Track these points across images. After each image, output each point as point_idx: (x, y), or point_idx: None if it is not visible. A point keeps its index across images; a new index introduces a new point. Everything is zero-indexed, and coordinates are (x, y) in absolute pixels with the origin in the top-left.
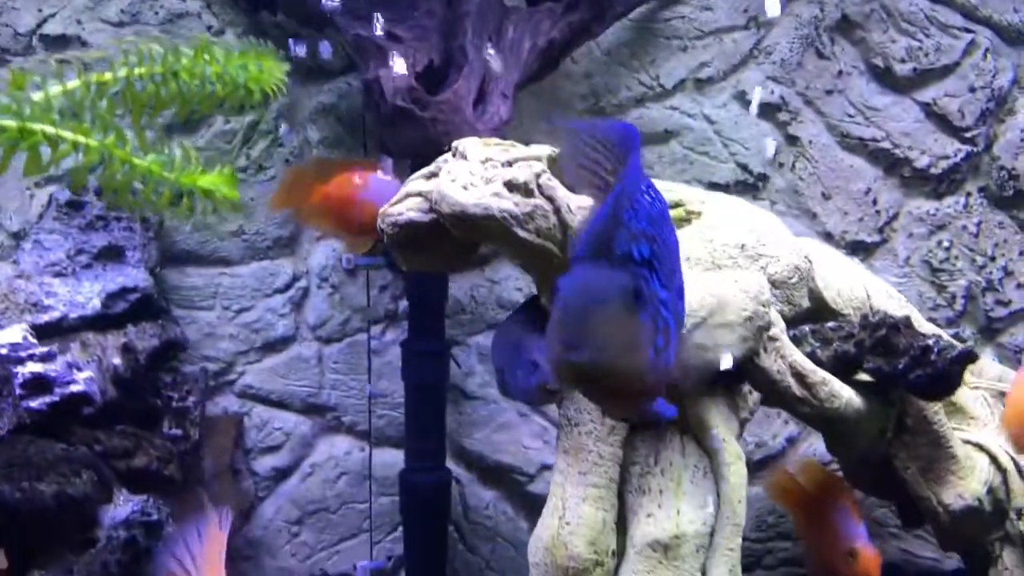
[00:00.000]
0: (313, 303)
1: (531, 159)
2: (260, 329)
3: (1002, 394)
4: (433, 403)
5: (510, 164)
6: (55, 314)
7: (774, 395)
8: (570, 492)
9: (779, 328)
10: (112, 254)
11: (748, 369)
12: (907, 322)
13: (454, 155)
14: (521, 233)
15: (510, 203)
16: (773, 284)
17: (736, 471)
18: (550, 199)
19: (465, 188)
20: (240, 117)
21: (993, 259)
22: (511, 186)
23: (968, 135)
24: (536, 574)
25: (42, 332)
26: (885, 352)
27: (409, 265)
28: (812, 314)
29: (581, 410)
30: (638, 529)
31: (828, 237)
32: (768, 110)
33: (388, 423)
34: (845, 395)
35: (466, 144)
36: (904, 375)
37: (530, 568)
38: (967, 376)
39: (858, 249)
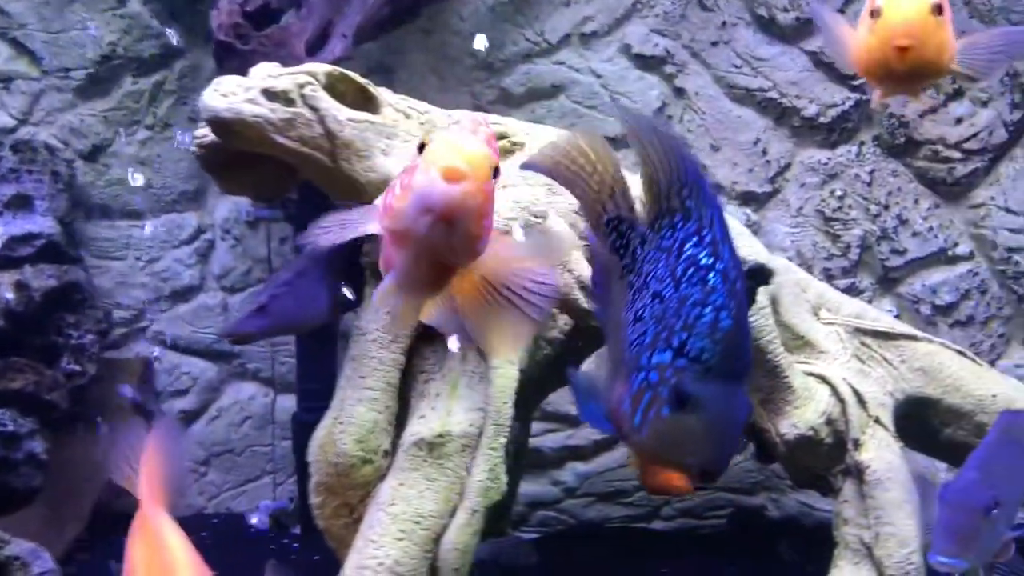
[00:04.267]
0: (218, 254)
1: (300, 72)
2: (168, 278)
3: (857, 330)
4: (323, 345)
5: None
6: None
7: (563, 307)
8: (348, 395)
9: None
10: (21, 203)
11: None
12: None
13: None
14: (281, 140)
15: (265, 109)
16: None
17: (503, 374)
18: (314, 108)
19: (224, 96)
20: (147, 77)
21: (887, 208)
22: (269, 94)
23: (856, 83)
24: (312, 471)
25: None
26: None
27: (228, 190)
28: None
29: (371, 320)
30: (408, 429)
31: (719, 189)
32: (653, 63)
33: (290, 370)
34: None
35: (255, 68)
36: None
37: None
38: (823, 312)
39: (750, 200)
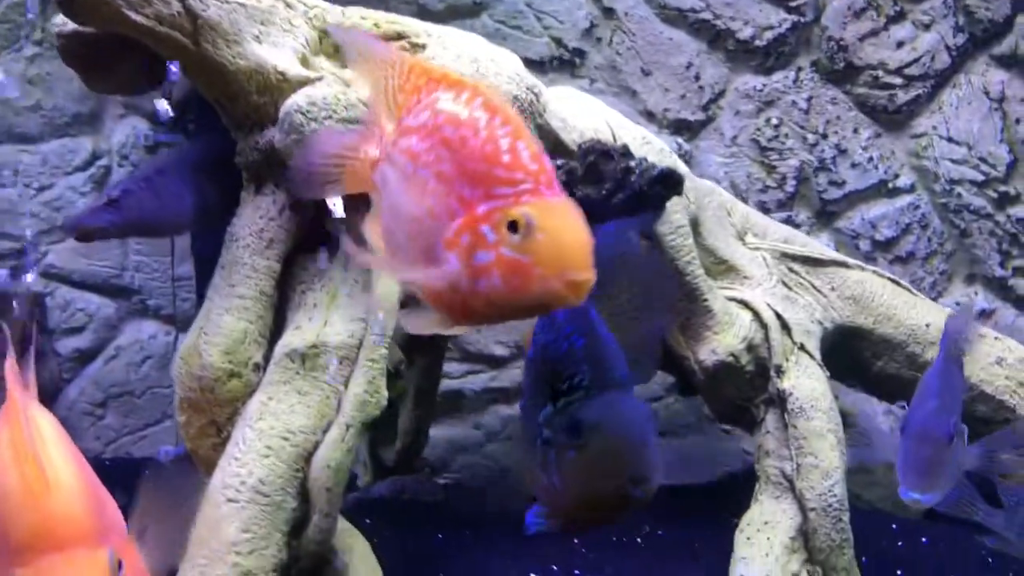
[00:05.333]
0: (115, 181)
1: None
2: (62, 207)
3: (784, 255)
4: None
5: None
6: None
7: None
8: (216, 304)
9: None
10: None
11: None
12: (623, 149)
13: None
14: (135, 17)
15: None
16: None
17: (386, 281)
18: None
19: None
20: None
21: (825, 137)
22: None
23: (793, 4)
24: (176, 389)
25: None
26: (595, 180)
27: (94, 86)
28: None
29: (243, 226)
30: (281, 340)
31: (650, 116)
32: None
33: (193, 307)
34: None
35: None
36: (608, 200)
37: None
38: (749, 237)
39: (682, 128)
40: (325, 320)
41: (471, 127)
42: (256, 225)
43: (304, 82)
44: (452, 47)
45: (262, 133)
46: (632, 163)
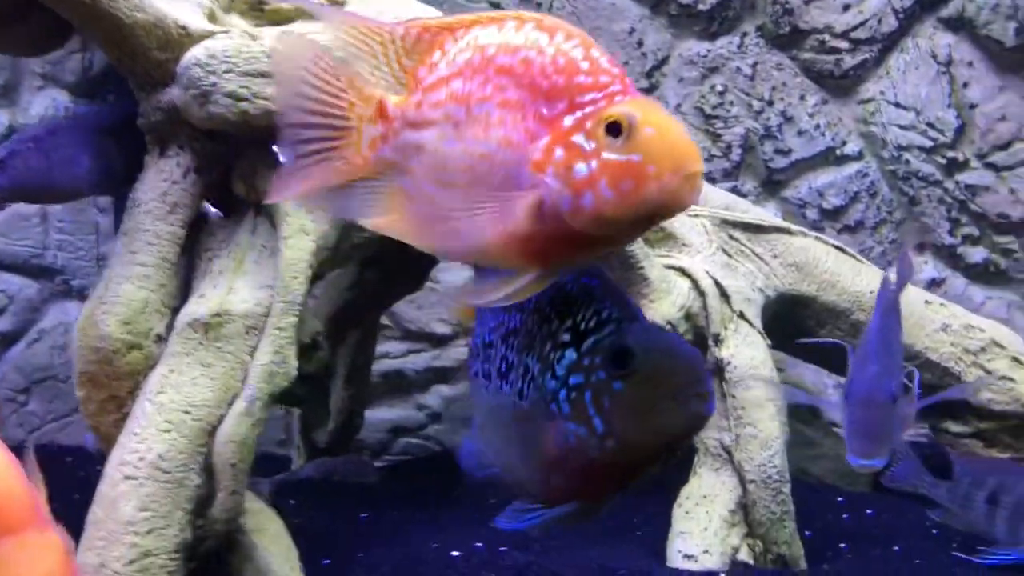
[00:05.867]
0: None
1: None
2: None
3: (725, 222)
4: None
5: None
6: None
7: None
8: (116, 272)
9: None
10: None
11: None
12: None
13: None
14: None
15: None
16: None
17: (295, 244)
18: None
19: None
20: None
21: (771, 104)
22: None
23: None
24: (75, 360)
25: None
26: None
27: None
28: None
29: (146, 190)
30: (184, 309)
31: None
32: None
33: None
34: None
35: None
36: None
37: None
38: None
39: None
40: (230, 287)
41: (532, 48)
42: (159, 189)
43: (208, 37)
44: (374, 3)
45: (164, 92)
46: None
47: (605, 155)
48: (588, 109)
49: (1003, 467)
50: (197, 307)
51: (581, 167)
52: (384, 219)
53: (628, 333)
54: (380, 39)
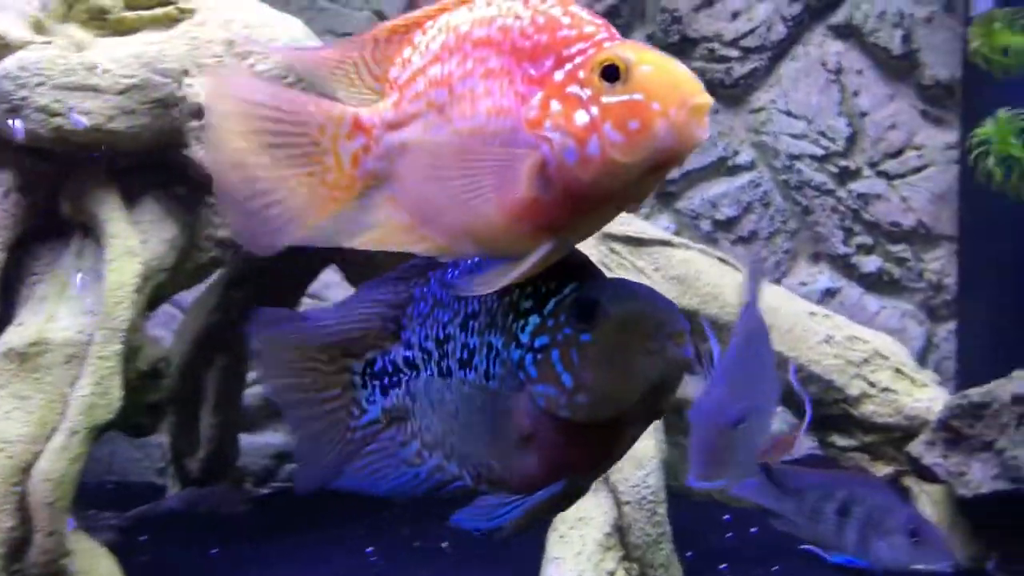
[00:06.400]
0: None
1: None
2: None
3: (606, 236)
4: None
5: None
6: None
7: None
8: None
9: None
10: None
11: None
12: None
13: None
14: None
15: None
16: None
17: (121, 268)
18: None
19: None
20: None
21: None
22: None
23: None
24: None
25: None
26: None
27: None
28: None
29: None
30: (0, 339)
31: None
32: None
33: None
34: None
35: None
36: None
37: None
38: None
39: None
40: (51, 314)
41: (508, 15)
42: None
43: (26, 47)
44: (222, 11)
45: None
46: None
47: (605, 99)
48: (578, 59)
49: (851, 478)
50: (14, 336)
51: (581, 115)
52: (374, 234)
53: (592, 288)
54: (351, 61)
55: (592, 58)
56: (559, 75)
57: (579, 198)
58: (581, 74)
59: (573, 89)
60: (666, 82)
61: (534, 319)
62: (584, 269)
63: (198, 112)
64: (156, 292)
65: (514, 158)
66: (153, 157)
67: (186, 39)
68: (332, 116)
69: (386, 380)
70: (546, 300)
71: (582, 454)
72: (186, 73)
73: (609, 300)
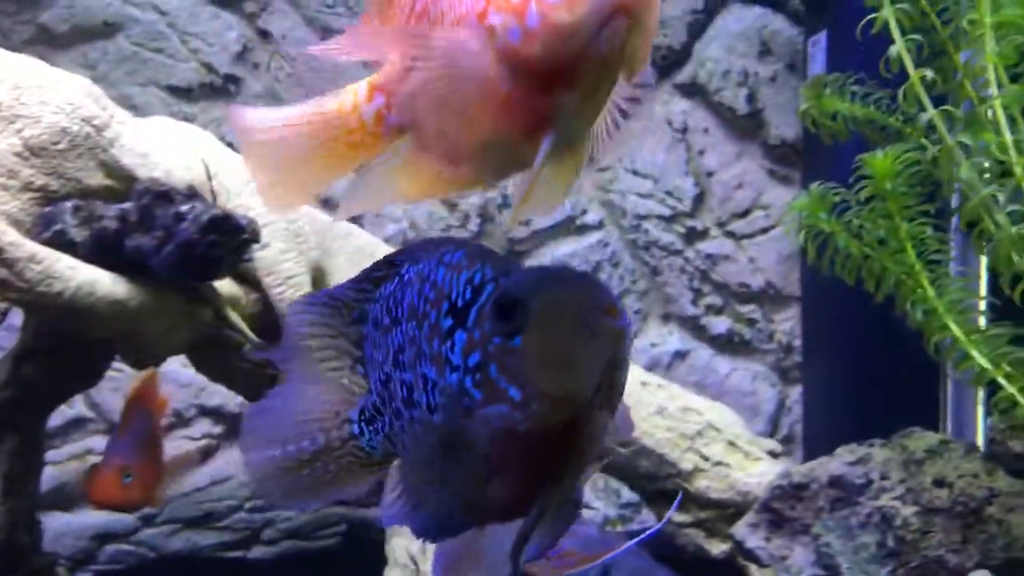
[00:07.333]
0: None
1: None
2: None
3: None
4: None
5: None
6: None
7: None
8: None
9: None
10: None
11: None
12: (189, 191)
13: None
14: None
15: None
16: (30, 151)
17: None
18: None
19: None
20: None
21: None
22: None
23: None
24: None
25: None
26: (148, 227)
27: None
28: (115, 193)
29: None
30: None
31: None
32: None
33: None
34: (77, 280)
35: None
36: (157, 253)
37: None
38: None
39: None
40: None
41: None
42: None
43: None
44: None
45: None
46: (184, 208)
47: None
48: None
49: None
50: None
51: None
52: (406, 187)
53: (506, 285)
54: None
55: None
56: None
57: (547, 76)
58: None
59: None
60: None
61: (460, 336)
62: (496, 263)
63: None
64: None
65: (471, 56)
66: None
67: None
68: (347, 91)
69: (376, 424)
70: (466, 312)
71: (556, 459)
72: None
73: (528, 294)
